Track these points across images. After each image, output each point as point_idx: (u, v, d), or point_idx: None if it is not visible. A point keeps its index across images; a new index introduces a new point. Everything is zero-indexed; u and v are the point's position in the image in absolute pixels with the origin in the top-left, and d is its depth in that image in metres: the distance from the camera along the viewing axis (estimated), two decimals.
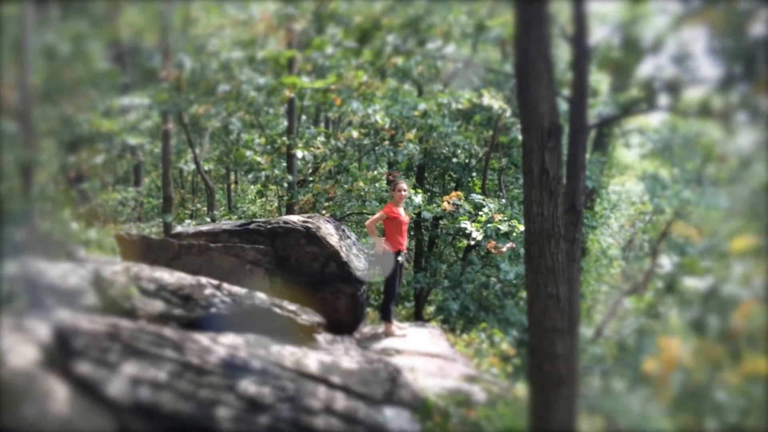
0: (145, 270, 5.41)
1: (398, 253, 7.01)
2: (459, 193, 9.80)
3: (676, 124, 12.54)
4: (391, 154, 10.61)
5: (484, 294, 11.48)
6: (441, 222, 11.84)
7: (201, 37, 9.35)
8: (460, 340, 7.43)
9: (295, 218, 7.38)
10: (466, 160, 12.67)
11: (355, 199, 10.31)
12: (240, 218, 12.26)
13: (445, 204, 9.50)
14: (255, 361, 4.51)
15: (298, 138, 10.38)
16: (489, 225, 9.04)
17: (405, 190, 7.16)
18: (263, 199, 14.19)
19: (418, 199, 9.42)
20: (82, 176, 9.13)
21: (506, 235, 9.06)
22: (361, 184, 9.95)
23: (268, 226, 7.20)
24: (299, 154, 9.89)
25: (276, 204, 12.54)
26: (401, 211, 7.14)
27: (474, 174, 12.79)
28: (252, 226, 7.29)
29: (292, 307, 5.88)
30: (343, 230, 7.63)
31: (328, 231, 7.20)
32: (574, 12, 4.13)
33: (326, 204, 10.37)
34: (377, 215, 7.22)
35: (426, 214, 9.62)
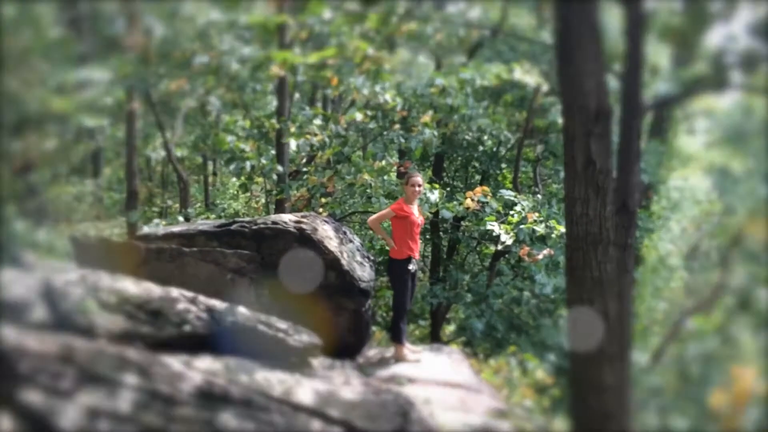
0: (105, 279, 5.44)
1: (409, 260, 7.01)
2: (485, 188, 9.78)
3: (751, 105, 12.47)
4: (403, 141, 10.61)
5: (515, 311, 11.49)
6: (463, 223, 11.85)
7: None
8: (485, 367, 7.44)
9: (287, 218, 7.42)
10: (494, 149, 12.67)
11: (358, 194, 10.32)
12: (219, 217, 12.32)
13: (469, 201, 9.50)
14: (237, 389, 4.53)
15: (290, 121, 10.40)
16: (522, 227, 9.03)
17: (420, 185, 7.17)
18: (247, 195, 14.24)
19: (436, 195, 9.41)
20: (29, 166, 9.18)
21: (543, 240, 9.06)
22: (366, 176, 9.96)
23: (254, 227, 7.23)
24: (292, 143, 9.90)
25: (263, 200, 12.59)
26: (414, 209, 7.15)
27: (504, 165, 12.79)
28: (234, 226, 7.32)
29: (283, 325, 5.90)
30: (345, 233, 7.65)
31: (326, 233, 7.23)
32: None
33: (324, 201, 10.39)
34: (383, 212, 7.26)
35: (445, 214, 9.61)
